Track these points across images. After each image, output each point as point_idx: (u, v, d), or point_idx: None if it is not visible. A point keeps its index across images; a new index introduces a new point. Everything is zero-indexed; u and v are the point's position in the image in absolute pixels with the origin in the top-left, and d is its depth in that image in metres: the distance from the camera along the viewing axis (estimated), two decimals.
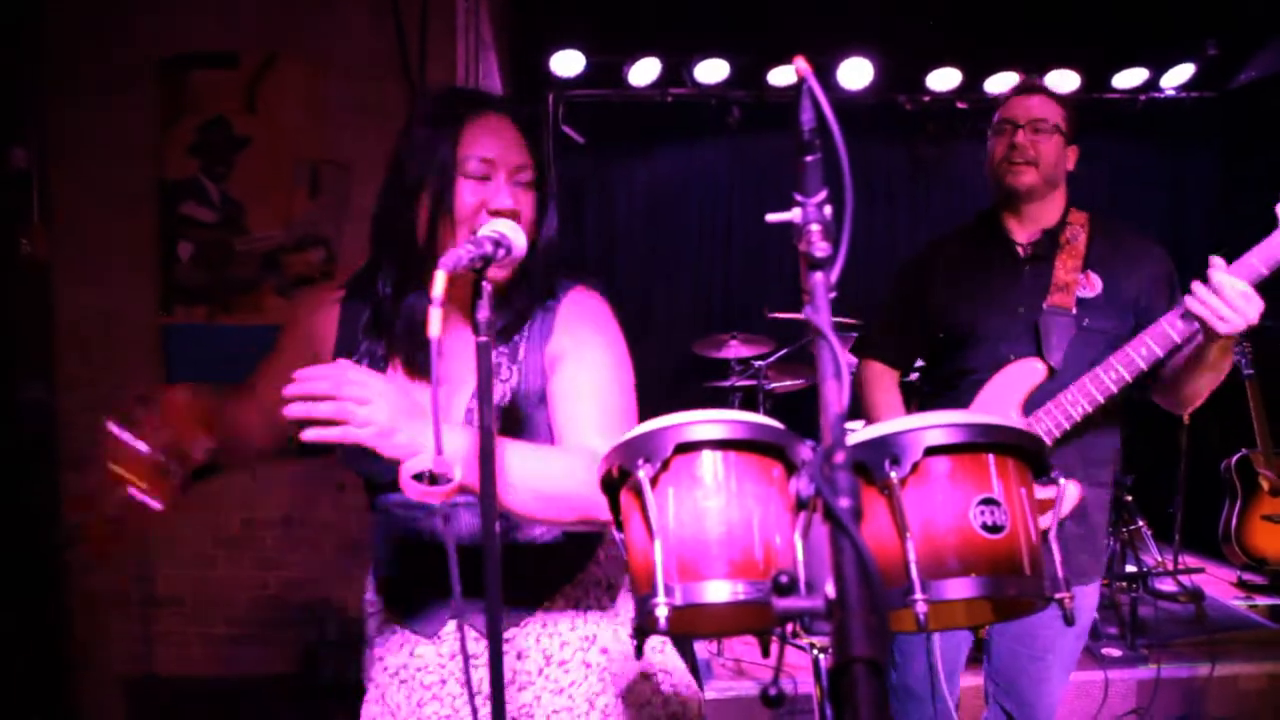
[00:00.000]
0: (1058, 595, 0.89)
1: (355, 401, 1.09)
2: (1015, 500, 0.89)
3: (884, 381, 2.26)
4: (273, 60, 3.30)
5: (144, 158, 3.30)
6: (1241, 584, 4.42)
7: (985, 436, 0.90)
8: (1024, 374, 2.01)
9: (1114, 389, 1.88)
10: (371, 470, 1.37)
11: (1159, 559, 4.35)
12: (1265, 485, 4.36)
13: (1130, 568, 3.91)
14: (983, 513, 0.87)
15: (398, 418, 1.09)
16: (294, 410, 1.10)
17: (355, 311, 1.44)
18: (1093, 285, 2.03)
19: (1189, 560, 4.36)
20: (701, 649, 3.54)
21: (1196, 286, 1.72)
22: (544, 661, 1.43)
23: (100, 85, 3.28)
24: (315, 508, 3.34)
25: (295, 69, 3.31)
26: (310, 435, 1.10)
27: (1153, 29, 5.12)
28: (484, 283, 0.99)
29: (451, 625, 1.43)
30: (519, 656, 1.42)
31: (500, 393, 1.38)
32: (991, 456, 0.90)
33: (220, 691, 3.37)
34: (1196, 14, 5.03)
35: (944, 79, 5.28)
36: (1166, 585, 4.18)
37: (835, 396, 0.67)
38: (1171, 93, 5.54)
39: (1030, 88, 2.18)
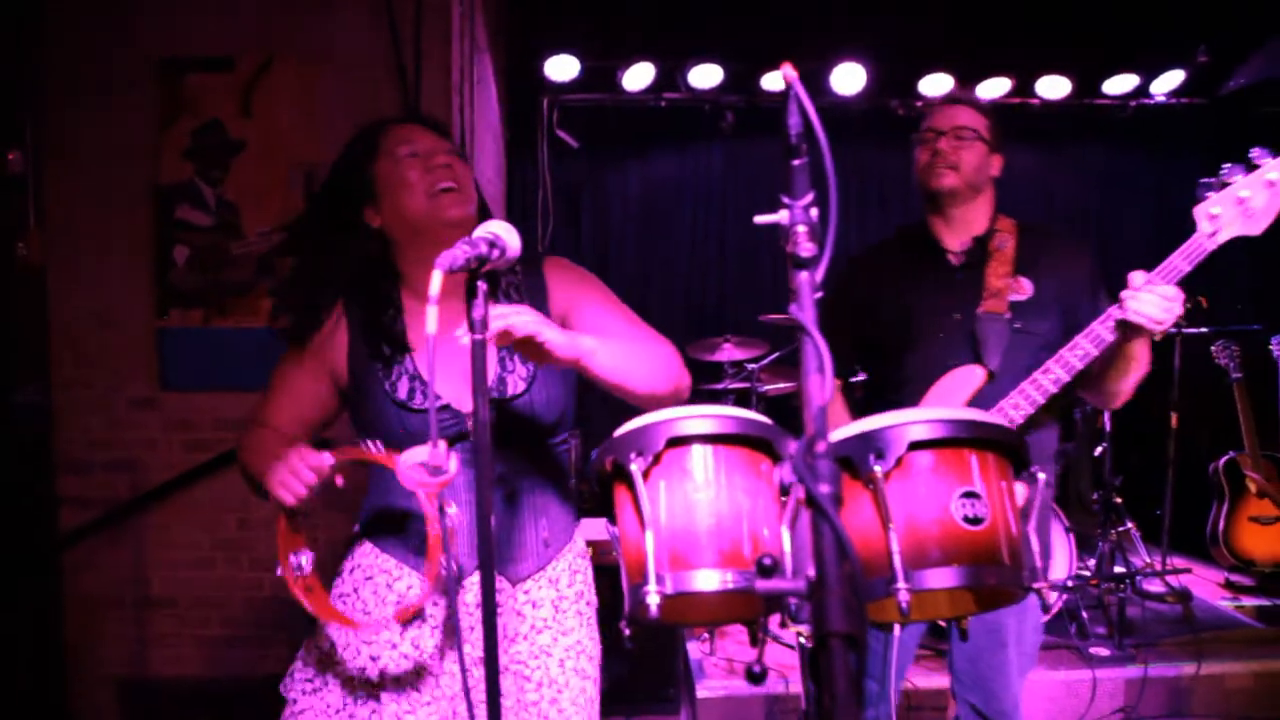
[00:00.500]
0: (1036, 585, 0.92)
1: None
2: (995, 493, 0.92)
3: None
4: (268, 64, 3.32)
5: (140, 161, 3.32)
6: (1229, 585, 4.45)
7: (967, 432, 0.93)
8: (965, 379, 2.05)
9: (1054, 389, 1.92)
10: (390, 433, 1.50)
11: (1148, 560, 4.38)
12: (1253, 487, 4.40)
13: (1119, 569, 3.94)
14: (964, 505, 0.90)
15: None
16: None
17: (353, 324, 1.60)
18: (1024, 289, 2.08)
19: (1176, 562, 4.40)
20: (694, 649, 3.57)
21: (1128, 296, 1.79)
22: (553, 610, 1.60)
23: (96, 89, 3.30)
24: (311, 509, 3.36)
25: (291, 73, 3.34)
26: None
27: (1143, 35, 5.17)
28: (479, 282, 1.02)
29: (473, 576, 1.53)
30: (534, 605, 1.58)
31: (529, 370, 1.56)
32: (973, 451, 0.93)
33: (214, 693, 3.37)
34: (1187, 21, 5.08)
35: (936, 84, 5.32)
36: (1155, 586, 4.21)
37: (818, 390, 0.70)
38: (1162, 99, 5.59)
39: (955, 99, 2.23)
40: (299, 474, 1.36)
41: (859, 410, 2.07)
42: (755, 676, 0.79)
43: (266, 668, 3.35)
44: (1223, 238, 1.78)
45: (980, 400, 2.02)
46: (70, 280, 3.31)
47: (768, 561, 0.71)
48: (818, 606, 0.59)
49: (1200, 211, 1.80)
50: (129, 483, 3.32)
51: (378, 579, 1.59)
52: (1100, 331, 1.87)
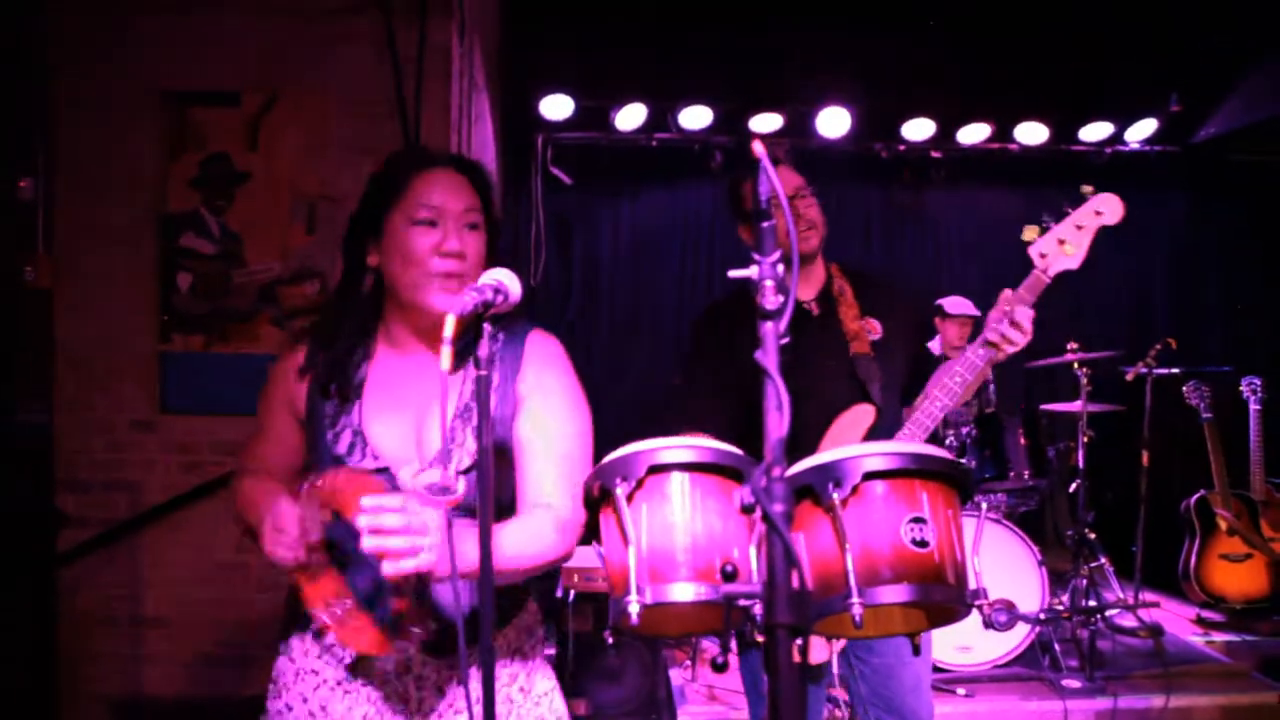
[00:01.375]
0: (977, 603, 1.03)
1: (420, 534, 1.19)
2: (941, 519, 1.03)
3: None
4: (274, 100, 3.44)
5: (146, 190, 3.42)
6: (1200, 621, 4.55)
7: (916, 464, 1.04)
8: (858, 418, 2.20)
9: (940, 415, 2.10)
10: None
11: (1120, 595, 4.49)
12: (1223, 525, 4.52)
13: (1091, 603, 4.05)
14: (912, 529, 1.01)
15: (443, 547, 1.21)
16: (369, 544, 1.18)
17: (312, 362, 1.58)
18: (876, 329, 2.28)
19: (1148, 597, 4.51)
20: (676, 675, 3.65)
21: (996, 321, 2.05)
22: (509, 680, 1.56)
23: (105, 120, 3.40)
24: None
25: (295, 108, 3.45)
26: (389, 573, 1.19)
27: (1117, 84, 5.36)
28: (484, 324, 1.13)
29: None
30: (459, 683, 1.54)
31: (470, 434, 1.50)
32: (921, 481, 1.04)
33: (204, 713, 3.42)
34: (1159, 70, 5.28)
35: (918, 129, 5.50)
36: (1127, 620, 4.31)
37: (776, 425, 0.81)
38: (1136, 146, 5.78)
39: (778, 159, 2.34)
40: (281, 538, 1.36)
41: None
42: (719, 667, 0.90)
43: (256, 688, 3.40)
44: (1053, 271, 2.10)
45: (874, 434, 2.19)
46: (75, 303, 3.40)
47: (730, 569, 0.82)
48: (768, 603, 0.69)
49: (1033, 252, 2.11)
50: (127, 503, 3.39)
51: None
52: (973, 358, 2.09)
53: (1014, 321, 2.03)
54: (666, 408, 2.37)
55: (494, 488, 1.43)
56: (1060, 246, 2.10)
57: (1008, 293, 2.08)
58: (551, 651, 3.42)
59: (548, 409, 1.52)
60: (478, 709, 1.14)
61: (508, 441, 1.52)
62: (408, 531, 1.18)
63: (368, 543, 1.18)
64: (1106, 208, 2.13)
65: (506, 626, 1.57)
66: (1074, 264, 2.12)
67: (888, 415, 2.21)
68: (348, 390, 1.53)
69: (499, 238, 1.58)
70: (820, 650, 2.12)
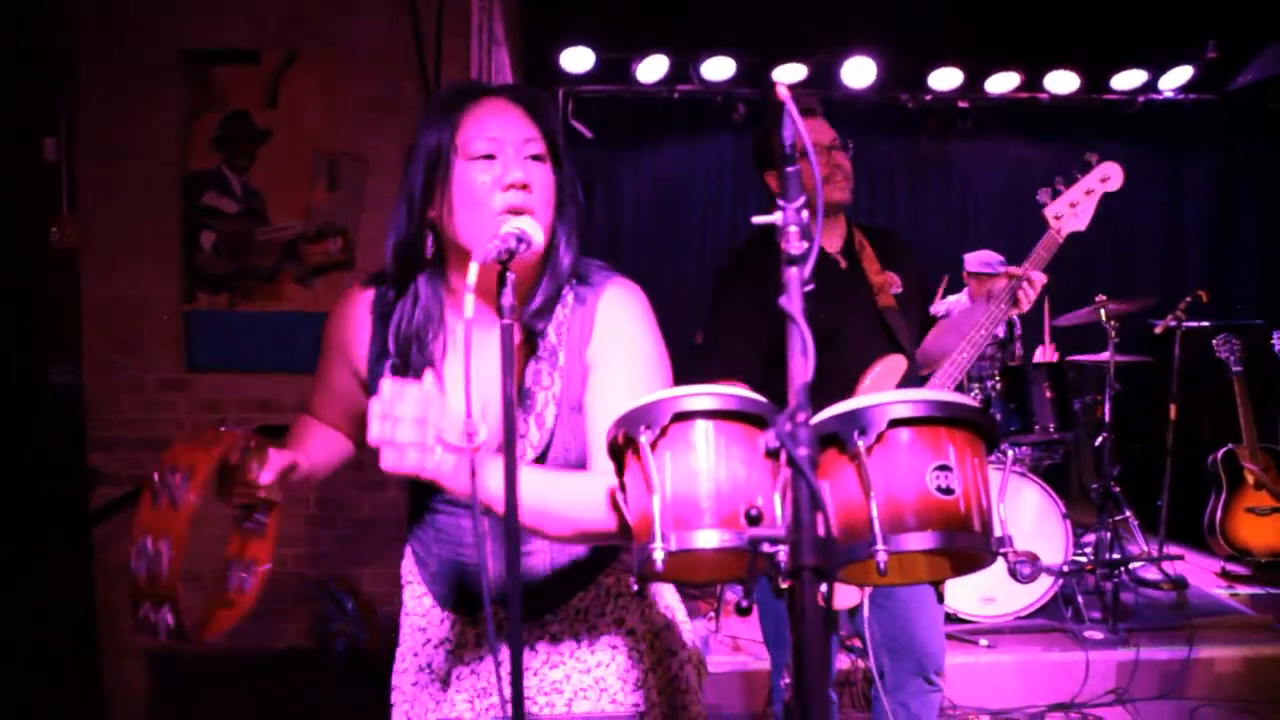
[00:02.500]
0: (1002, 550, 1.03)
1: (436, 435, 1.10)
2: (967, 467, 1.03)
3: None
4: (293, 57, 3.43)
5: (169, 149, 3.44)
6: (1225, 574, 4.54)
7: (942, 411, 1.03)
8: (892, 368, 2.27)
9: (967, 365, 2.25)
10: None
11: (1145, 549, 4.48)
12: (1250, 479, 4.48)
13: (1115, 555, 4.04)
14: (937, 477, 1.01)
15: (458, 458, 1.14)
16: (375, 431, 1.10)
17: (382, 318, 1.45)
18: (896, 283, 2.36)
19: (1173, 550, 4.49)
20: (700, 627, 3.68)
21: (1014, 281, 2.24)
22: (575, 645, 1.48)
23: (127, 80, 3.41)
24: (331, 487, 3.47)
25: (314, 66, 3.44)
26: (387, 465, 1.10)
27: (1152, 31, 5.23)
28: (508, 273, 1.13)
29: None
30: (553, 639, 1.48)
31: (542, 401, 1.39)
32: (946, 429, 1.03)
33: (237, 664, 3.49)
34: (1196, 17, 5.14)
35: (945, 78, 5.41)
36: (1152, 574, 4.31)
37: (800, 369, 0.81)
38: (1170, 95, 5.65)
39: (812, 111, 2.43)
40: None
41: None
42: (743, 610, 0.91)
43: (287, 640, 3.48)
44: (1065, 231, 2.30)
45: (906, 383, 2.26)
46: (102, 264, 3.43)
47: (754, 512, 0.82)
48: (793, 546, 0.69)
49: (1048, 213, 2.31)
50: (157, 460, 3.44)
51: (433, 613, 1.54)
52: (995, 312, 2.24)
53: (1030, 280, 2.22)
54: (698, 360, 2.37)
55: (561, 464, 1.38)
56: (1072, 209, 2.30)
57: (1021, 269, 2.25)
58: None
59: (612, 374, 1.36)
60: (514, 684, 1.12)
61: (579, 424, 1.40)
62: (423, 424, 1.09)
63: (374, 430, 1.09)
64: (1110, 174, 2.33)
65: (598, 579, 1.50)
66: (1081, 226, 2.32)
67: (914, 365, 2.29)
68: (418, 358, 1.39)
69: (568, 172, 1.39)
70: (850, 595, 2.15)
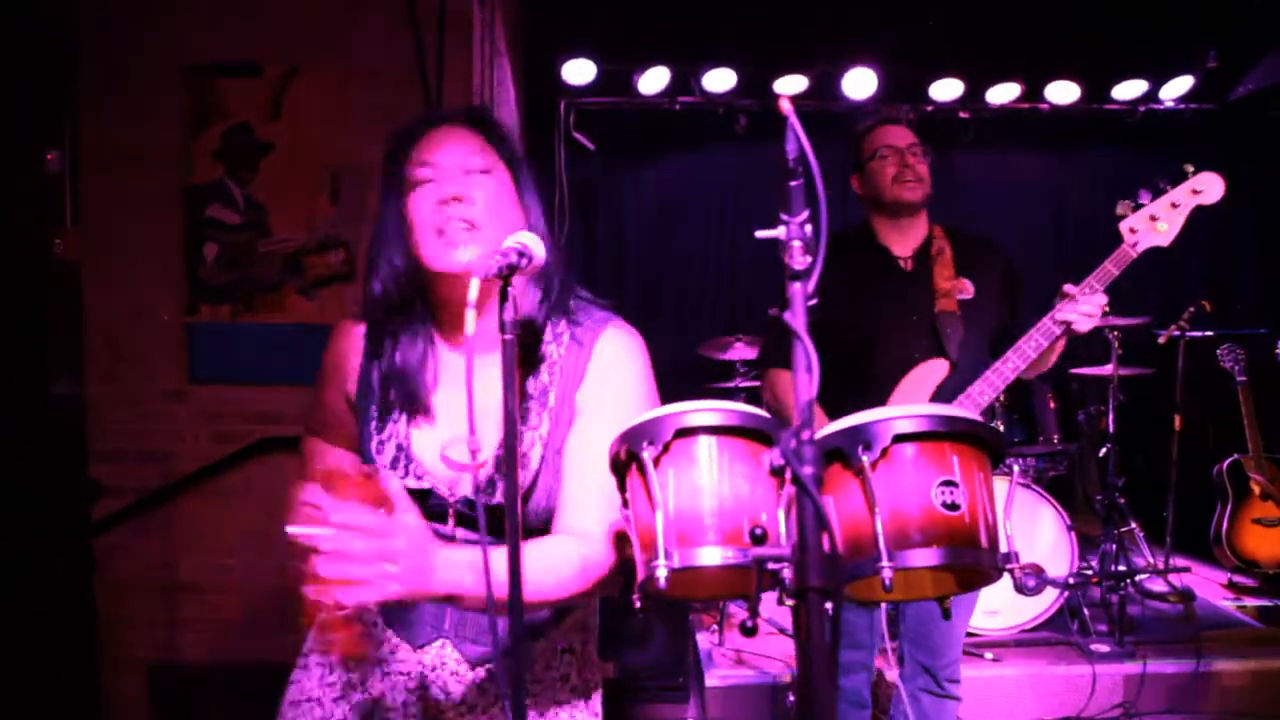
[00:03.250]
0: (1009, 566, 1.02)
1: (389, 559, 1.11)
2: (972, 482, 1.02)
3: None
4: (295, 70, 3.43)
5: (171, 161, 3.43)
6: (1232, 586, 4.52)
7: (947, 426, 1.03)
8: (931, 371, 2.27)
9: (1012, 376, 2.18)
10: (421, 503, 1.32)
11: (1150, 560, 4.45)
12: (1256, 490, 4.46)
13: (1121, 568, 4.02)
14: (943, 492, 1.00)
15: (413, 575, 1.13)
16: (325, 572, 1.11)
17: (372, 351, 1.47)
18: (967, 289, 2.34)
19: (1179, 562, 4.47)
20: (704, 639, 3.67)
21: (1070, 301, 2.13)
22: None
23: (130, 92, 3.41)
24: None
25: (317, 78, 3.44)
26: (347, 600, 1.11)
27: (1152, 41, 5.23)
28: (509, 289, 1.12)
29: (438, 641, 1.45)
30: (493, 681, 1.45)
31: (528, 442, 1.37)
32: (951, 444, 1.03)
33: (238, 677, 3.48)
34: (1196, 26, 5.14)
35: (946, 89, 5.41)
36: (1158, 586, 4.28)
37: (805, 386, 0.80)
38: (1171, 104, 5.65)
39: (896, 119, 2.47)
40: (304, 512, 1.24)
41: (825, 402, 2.14)
42: (748, 630, 0.90)
43: (288, 654, 3.46)
44: (1142, 247, 2.17)
45: (945, 388, 2.25)
46: (104, 276, 3.43)
47: (759, 531, 0.81)
48: (799, 567, 0.68)
49: (1124, 227, 2.17)
50: (159, 472, 3.44)
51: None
52: (1049, 325, 2.15)
53: (1086, 305, 2.12)
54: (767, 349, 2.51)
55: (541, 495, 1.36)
56: (1152, 223, 2.16)
57: (1079, 284, 2.16)
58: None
59: (598, 423, 1.32)
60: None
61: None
62: (373, 559, 1.10)
63: (324, 568, 1.10)
64: (1206, 186, 2.19)
65: (560, 624, 1.49)
66: (1164, 241, 2.17)
67: (963, 372, 2.26)
68: (410, 398, 1.39)
69: (524, 177, 1.42)
70: None
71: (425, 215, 1.34)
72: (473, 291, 1.07)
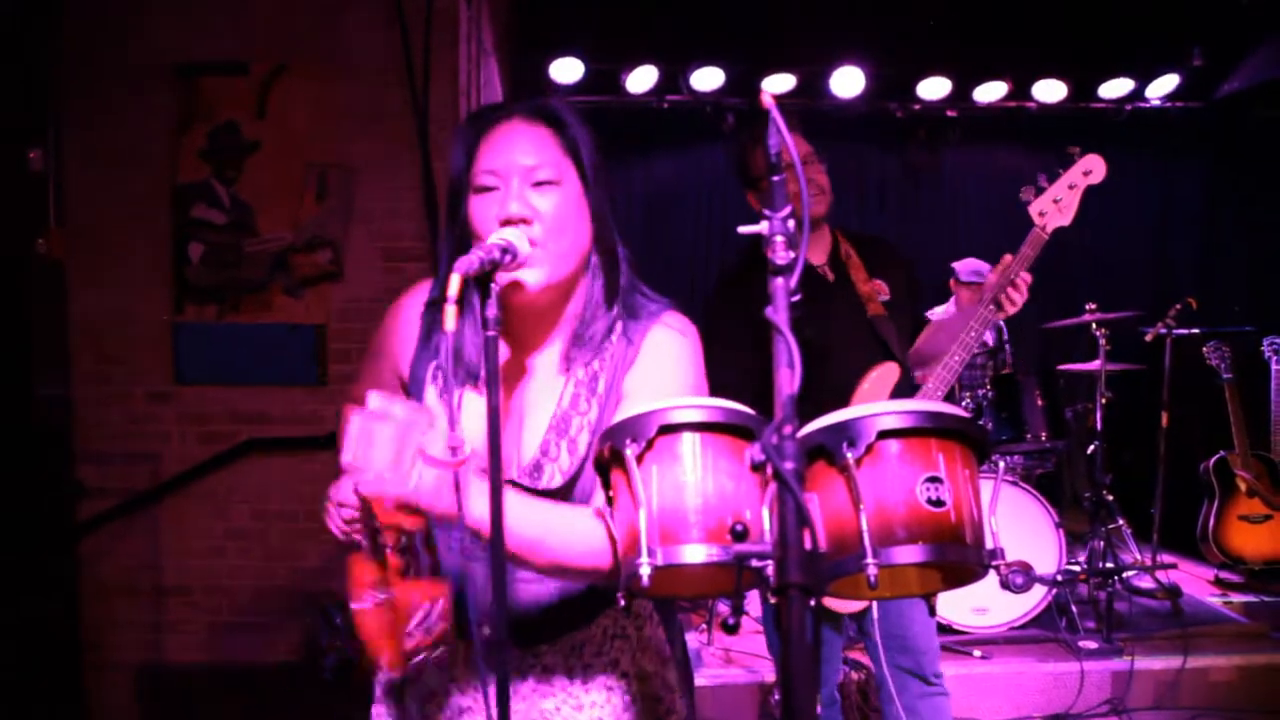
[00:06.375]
0: (994, 563, 1.02)
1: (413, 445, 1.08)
2: (957, 478, 1.02)
3: None
4: (281, 69, 3.41)
5: (157, 161, 3.41)
6: (1219, 582, 4.54)
7: (932, 422, 1.02)
8: (885, 376, 2.30)
9: (959, 369, 2.25)
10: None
11: (1138, 557, 4.47)
12: (1242, 486, 4.48)
13: (1109, 565, 4.03)
14: (928, 489, 1.00)
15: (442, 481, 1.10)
16: (349, 459, 1.10)
17: (426, 335, 1.44)
18: (884, 290, 2.39)
19: (1166, 559, 4.49)
20: (692, 639, 3.66)
21: (998, 284, 2.23)
22: (568, 680, 1.44)
23: (114, 91, 3.39)
24: (323, 502, 3.45)
25: (303, 77, 3.43)
26: (364, 489, 1.10)
27: (1138, 39, 5.25)
28: (492, 284, 1.11)
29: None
30: (544, 671, 1.44)
31: (577, 427, 1.35)
32: (936, 440, 1.02)
33: (225, 680, 3.46)
34: (1182, 24, 5.16)
35: (934, 87, 5.42)
36: (1146, 582, 4.30)
37: (787, 382, 0.79)
38: (1157, 102, 5.67)
39: (792, 127, 2.44)
40: (332, 514, 1.27)
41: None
42: (730, 628, 0.89)
43: (276, 655, 3.45)
44: (1051, 227, 2.30)
45: (900, 390, 2.28)
46: (89, 277, 3.41)
47: (740, 528, 0.81)
48: (780, 563, 0.68)
49: (1033, 211, 2.31)
50: (146, 473, 3.42)
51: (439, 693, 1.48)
52: (985, 314, 2.24)
53: (1014, 284, 2.22)
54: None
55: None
56: (1055, 206, 2.31)
57: (1008, 257, 2.26)
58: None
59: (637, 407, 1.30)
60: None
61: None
62: (401, 446, 1.08)
63: (348, 452, 1.09)
64: (1093, 167, 2.34)
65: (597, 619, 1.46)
66: (1065, 220, 2.32)
67: (907, 372, 2.30)
68: (460, 379, 1.34)
69: (597, 185, 1.37)
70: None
71: (486, 228, 1.28)
72: (453, 287, 1.06)
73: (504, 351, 1.40)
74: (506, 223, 1.26)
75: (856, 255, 2.41)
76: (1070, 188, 2.31)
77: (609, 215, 1.39)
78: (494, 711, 1.06)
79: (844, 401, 2.26)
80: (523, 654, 1.43)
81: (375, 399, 1.10)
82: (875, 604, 2.31)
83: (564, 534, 1.21)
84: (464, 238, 1.31)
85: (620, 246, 1.41)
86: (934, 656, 2.45)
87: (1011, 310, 2.23)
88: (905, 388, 2.29)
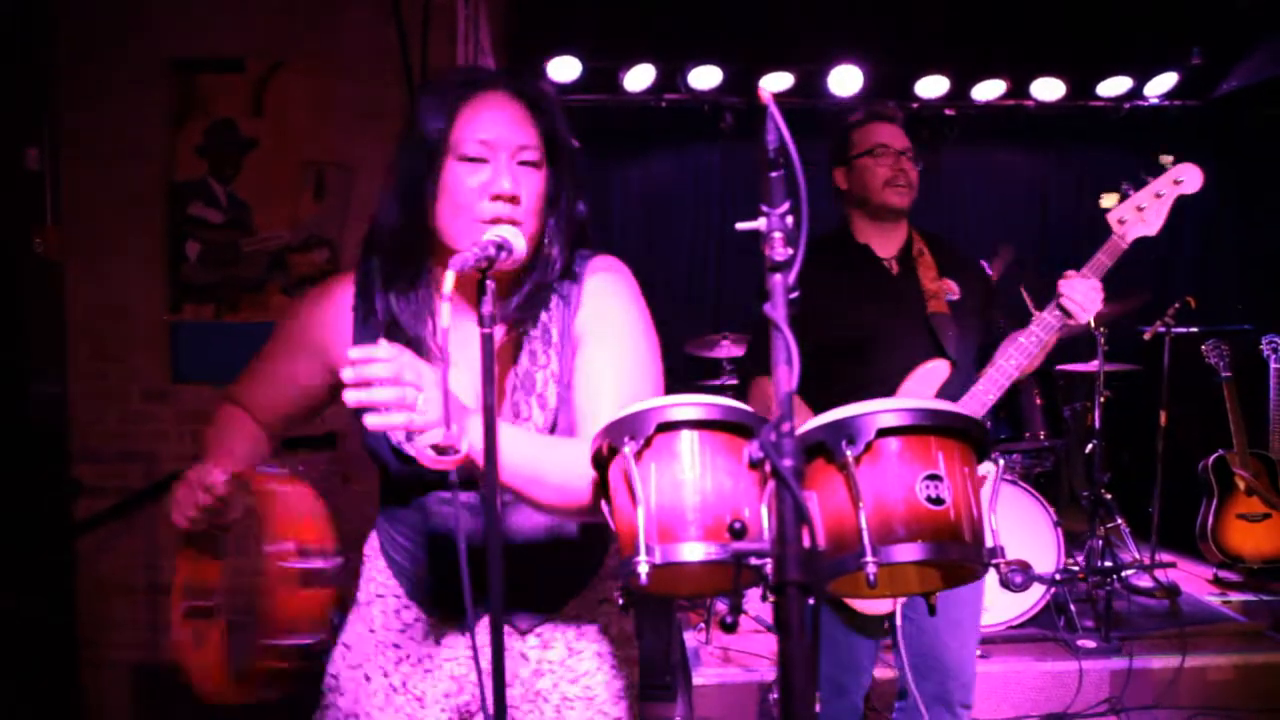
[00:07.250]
0: (994, 561, 1.01)
1: (415, 389, 1.06)
2: (957, 477, 1.01)
3: None
4: (279, 66, 3.40)
5: (154, 159, 3.40)
6: (1217, 581, 4.53)
7: (931, 420, 1.02)
8: (933, 373, 2.25)
9: (1016, 374, 2.18)
10: (421, 470, 1.25)
11: (1136, 556, 4.47)
12: (1241, 485, 4.48)
13: (1107, 564, 4.03)
14: (927, 487, 0.99)
15: (448, 410, 1.08)
16: (352, 397, 1.06)
17: (365, 315, 1.40)
18: (953, 290, 2.34)
19: (1165, 558, 4.49)
20: (691, 638, 3.66)
21: (1064, 286, 2.17)
22: (566, 653, 1.46)
23: (111, 88, 3.37)
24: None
25: (300, 74, 3.42)
26: (372, 423, 1.06)
27: (1137, 38, 5.24)
28: (487, 281, 1.11)
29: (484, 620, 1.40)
30: (545, 646, 1.46)
31: (541, 381, 1.36)
32: (936, 438, 1.02)
33: None
34: (1180, 23, 5.16)
35: (932, 86, 5.41)
36: (1144, 581, 4.30)
37: (785, 378, 0.79)
38: (1156, 101, 5.66)
39: (891, 117, 2.40)
40: (191, 494, 1.27)
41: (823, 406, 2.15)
42: (728, 627, 0.89)
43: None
44: (1131, 237, 2.21)
45: (948, 389, 2.22)
46: (86, 275, 3.40)
47: (738, 526, 0.80)
48: (779, 560, 0.67)
49: (1112, 218, 2.21)
50: (142, 472, 3.41)
51: (388, 600, 1.55)
52: (1049, 319, 2.17)
53: (1083, 286, 2.15)
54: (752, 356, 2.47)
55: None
56: (1139, 214, 2.20)
57: (1077, 271, 2.20)
58: None
59: (598, 346, 1.34)
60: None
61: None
62: (397, 382, 1.05)
63: (350, 396, 1.05)
64: (1186, 176, 2.21)
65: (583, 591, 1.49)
66: (1152, 230, 2.21)
67: (962, 372, 2.26)
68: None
69: (565, 172, 1.37)
70: (884, 602, 2.13)
71: (468, 198, 1.27)
72: (448, 285, 1.05)
73: (454, 320, 1.36)
74: (498, 198, 1.26)
75: (929, 253, 2.37)
76: (1157, 196, 2.19)
77: (580, 206, 1.41)
78: (489, 701, 1.05)
79: (889, 393, 2.23)
80: (523, 635, 1.45)
81: (360, 351, 1.07)
82: (899, 609, 2.24)
83: (565, 467, 1.21)
84: (422, 198, 1.29)
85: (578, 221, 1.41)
86: (966, 683, 2.33)
87: (1082, 317, 2.16)
88: (955, 387, 2.23)
